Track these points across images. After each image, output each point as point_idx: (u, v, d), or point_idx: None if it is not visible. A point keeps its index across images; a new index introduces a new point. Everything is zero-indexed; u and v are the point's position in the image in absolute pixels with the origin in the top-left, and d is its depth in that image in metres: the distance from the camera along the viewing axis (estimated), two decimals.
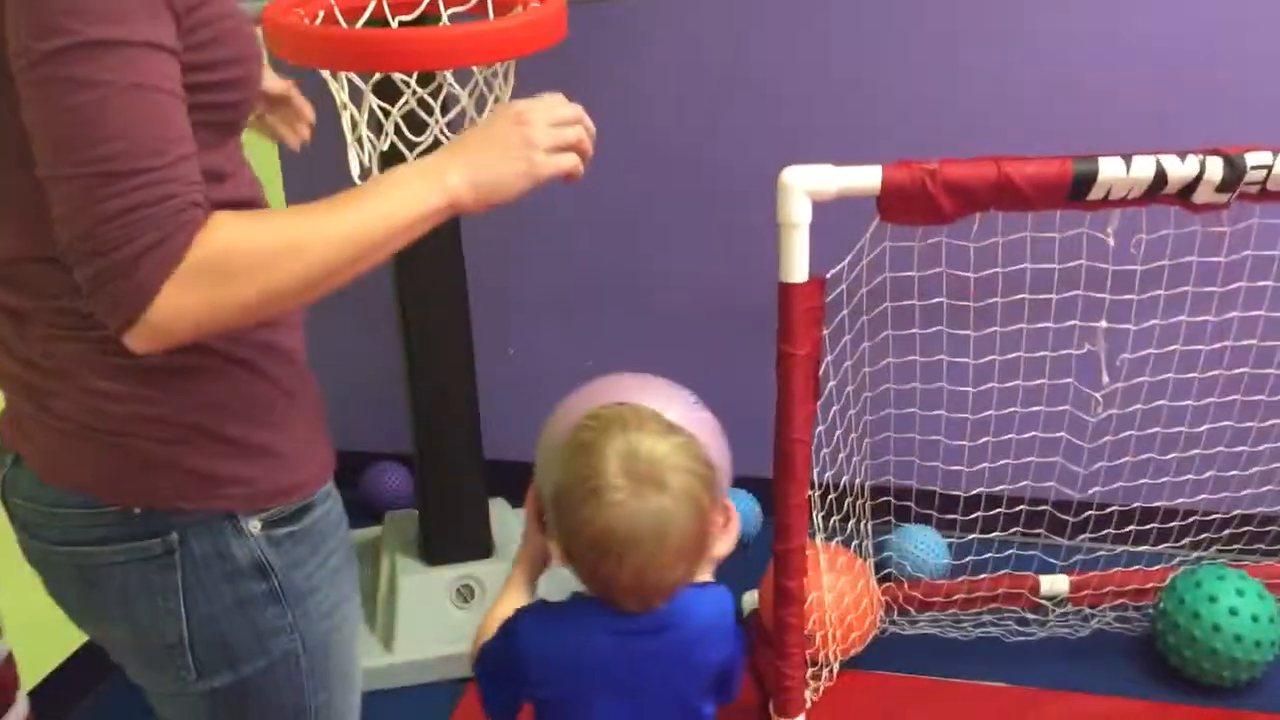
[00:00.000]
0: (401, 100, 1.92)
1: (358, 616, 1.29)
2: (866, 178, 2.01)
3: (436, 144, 1.88)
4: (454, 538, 2.57)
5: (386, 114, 1.92)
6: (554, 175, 1.15)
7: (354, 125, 1.92)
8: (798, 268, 2.04)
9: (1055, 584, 2.53)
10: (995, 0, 2.42)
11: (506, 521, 2.70)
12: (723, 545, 1.37)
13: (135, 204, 0.93)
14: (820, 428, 2.23)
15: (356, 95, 1.89)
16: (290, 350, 1.19)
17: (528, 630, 1.32)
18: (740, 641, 1.40)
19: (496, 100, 1.93)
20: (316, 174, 1.84)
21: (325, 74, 1.87)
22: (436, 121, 1.96)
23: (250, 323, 1.04)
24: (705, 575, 1.40)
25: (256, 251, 0.99)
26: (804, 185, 2.00)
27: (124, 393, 1.07)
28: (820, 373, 2.13)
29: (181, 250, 0.95)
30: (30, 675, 2.25)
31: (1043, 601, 2.51)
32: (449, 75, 1.96)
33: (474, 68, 1.89)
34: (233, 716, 1.20)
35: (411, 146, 1.94)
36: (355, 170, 1.92)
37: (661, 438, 1.25)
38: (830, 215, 1.96)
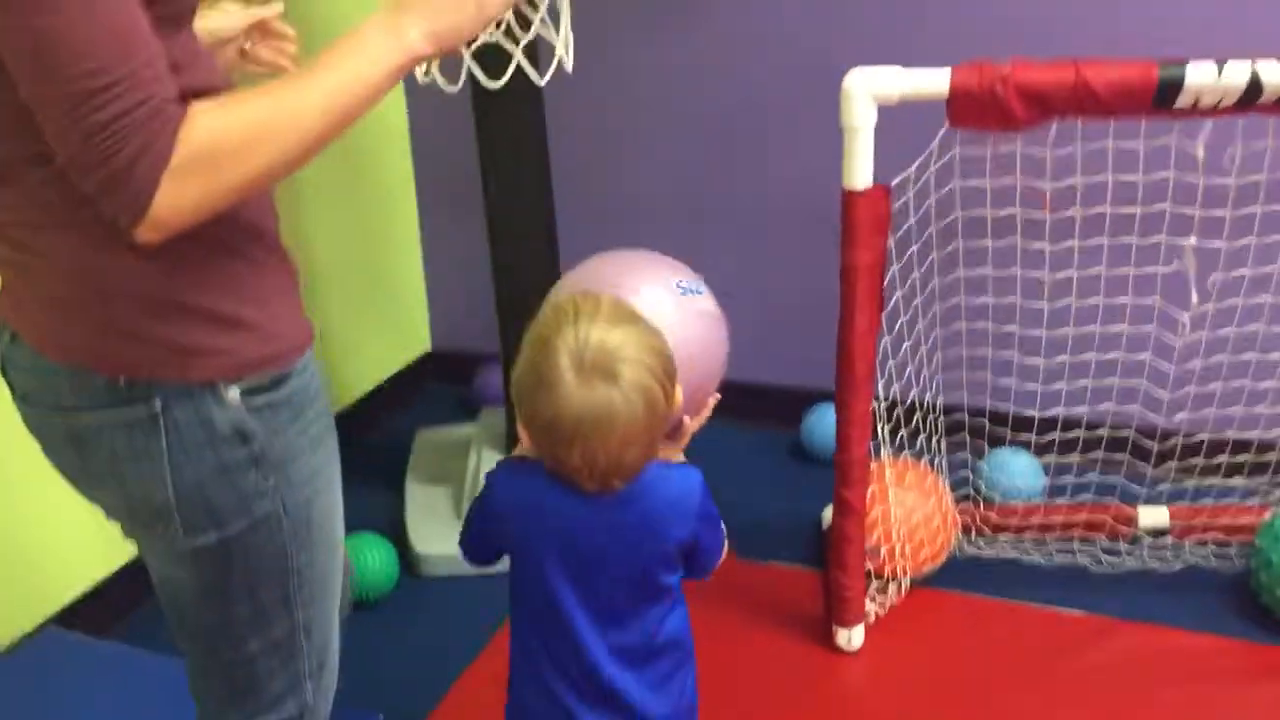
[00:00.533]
0: None
1: (339, 481, 1.36)
2: (934, 81, 1.95)
3: (498, 46, 1.92)
4: None
5: None
6: (503, 11, 1.20)
7: None
8: (861, 173, 2.00)
9: (1155, 516, 2.44)
10: None
11: None
12: (695, 422, 1.46)
13: (116, 114, 0.99)
14: (886, 339, 2.19)
15: None
16: (261, 227, 1.25)
17: (502, 472, 1.41)
18: (713, 522, 1.42)
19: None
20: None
21: None
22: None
23: (244, 200, 1.10)
24: (676, 456, 1.42)
25: (239, 137, 1.06)
26: (868, 88, 1.96)
27: (104, 270, 1.14)
28: (886, 283, 2.09)
29: (168, 149, 1.02)
30: (67, 591, 2.33)
31: (1138, 533, 2.42)
32: None
33: None
34: (218, 573, 1.28)
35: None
36: (418, 68, 1.96)
37: (613, 328, 1.28)
38: (902, 120, 1.91)
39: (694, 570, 1.44)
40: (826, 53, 2.51)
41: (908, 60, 1.92)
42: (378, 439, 3.07)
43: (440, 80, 1.93)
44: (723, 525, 1.46)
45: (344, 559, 1.45)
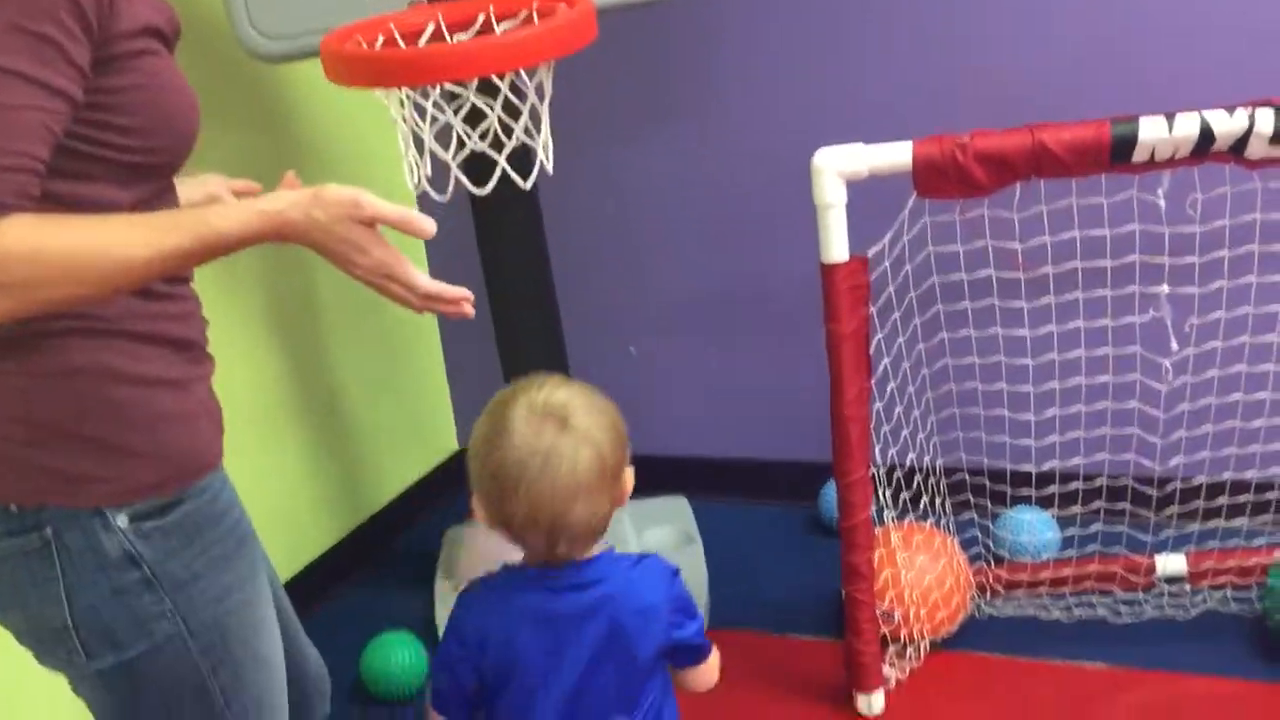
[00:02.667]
0: (461, 108, 2.06)
1: (263, 599, 1.39)
2: (897, 155, 2.06)
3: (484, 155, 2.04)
4: None
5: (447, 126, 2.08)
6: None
7: (412, 140, 2.10)
8: (837, 247, 2.10)
9: (1173, 563, 2.45)
10: None
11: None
12: None
13: None
14: (879, 405, 2.26)
15: (422, 110, 2.06)
16: (168, 339, 1.29)
17: (467, 600, 1.46)
18: (686, 608, 1.49)
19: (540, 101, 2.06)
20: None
21: (379, 94, 2.05)
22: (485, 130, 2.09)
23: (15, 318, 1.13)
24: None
25: (54, 264, 1.10)
26: (835, 166, 2.06)
27: None
28: (872, 350, 2.17)
29: None
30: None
31: (1155, 581, 2.43)
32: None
33: (509, 74, 2.02)
34: (126, 695, 1.32)
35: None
36: (409, 180, 2.09)
37: (564, 387, 1.38)
38: (875, 192, 2.00)
39: (684, 660, 1.51)
40: (804, 135, 2.63)
41: (886, 135, 2.02)
42: (409, 541, 3.16)
43: (430, 190, 2.06)
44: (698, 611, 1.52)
45: (318, 676, 1.53)
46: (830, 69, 2.63)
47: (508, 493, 1.34)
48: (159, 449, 1.27)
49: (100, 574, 1.25)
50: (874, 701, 2.31)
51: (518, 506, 1.34)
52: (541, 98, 2.06)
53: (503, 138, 2.07)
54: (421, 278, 1.27)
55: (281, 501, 2.83)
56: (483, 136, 2.06)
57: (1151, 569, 2.45)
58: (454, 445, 3.45)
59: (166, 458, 1.28)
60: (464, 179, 2.08)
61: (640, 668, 1.44)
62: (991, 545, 2.57)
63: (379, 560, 3.08)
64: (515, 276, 2.55)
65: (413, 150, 2.07)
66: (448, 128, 2.06)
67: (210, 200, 1.51)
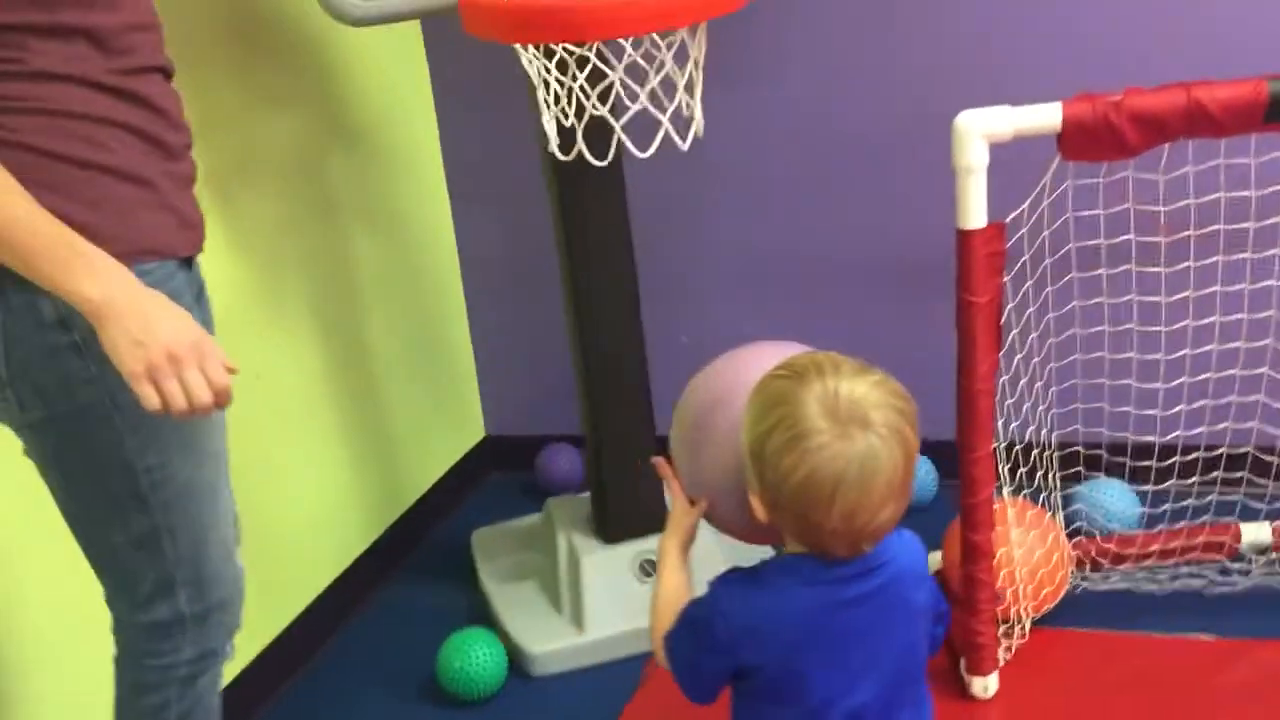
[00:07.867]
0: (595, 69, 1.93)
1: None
2: (1046, 116, 1.96)
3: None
4: (632, 515, 2.57)
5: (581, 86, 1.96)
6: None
7: (549, 98, 1.98)
8: (975, 213, 1.99)
9: (1258, 533, 2.42)
10: None
11: None
12: None
13: None
14: (1004, 378, 2.17)
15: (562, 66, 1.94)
16: (142, 131, 1.36)
17: (729, 597, 1.33)
18: (934, 582, 1.41)
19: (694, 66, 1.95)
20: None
21: (519, 49, 1.94)
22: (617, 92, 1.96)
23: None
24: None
25: None
26: (980, 129, 1.95)
27: None
28: (1002, 321, 2.08)
29: None
30: None
31: (1243, 550, 2.41)
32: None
33: (655, 35, 1.92)
34: (56, 450, 1.41)
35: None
36: (554, 141, 1.98)
37: (858, 378, 1.24)
38: (1005, 158, 1.90)
39: (934, 641, 1.42)
40: (904, 98, 2.55)
41: (987, 98, 1.94)
42: (445, 533, 3.01)
43: (589, 155, 1.96)
44: None
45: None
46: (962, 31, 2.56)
47: (819, 505, 1.23)
48: (100, 225, 1.32)
49: (35, 332, 1.35)
50: (990, 684, 2.23)
51: (829, 519, 1.24)
52: (696, 59, 1.97)
53: (664, 101, 1.96)
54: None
55: (323, 507, 2.70)
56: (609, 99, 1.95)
57: (1245, 539, 2.42)
58: (481, 432, 3.30)
59: (110, 235, 1.32)
60: (627, 141, 1.97)
61: (922, 633, 1.39)
62: (1099, 519, 2.52)
63: (418, 554, 2.93)
64: (599, 251, 2.40)
65: (553, 110, 1.96)
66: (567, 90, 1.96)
67: None
